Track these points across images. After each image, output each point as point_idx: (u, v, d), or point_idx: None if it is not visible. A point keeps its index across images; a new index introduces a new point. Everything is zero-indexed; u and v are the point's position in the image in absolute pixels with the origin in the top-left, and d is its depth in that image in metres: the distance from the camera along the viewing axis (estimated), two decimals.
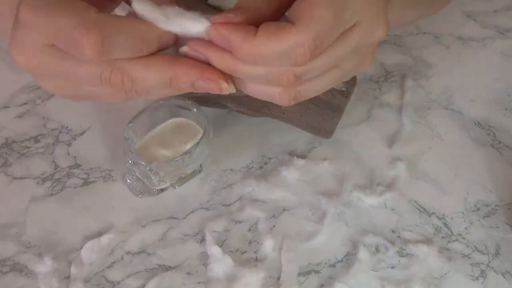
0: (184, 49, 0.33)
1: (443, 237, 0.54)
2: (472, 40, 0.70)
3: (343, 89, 0.56)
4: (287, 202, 0.56)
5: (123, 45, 0.30)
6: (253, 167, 0.59)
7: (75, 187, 0.57)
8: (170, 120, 0.55)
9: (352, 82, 0.56)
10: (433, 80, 0.67)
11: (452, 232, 0.55)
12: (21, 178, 0.57)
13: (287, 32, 0.29)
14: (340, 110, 0.57)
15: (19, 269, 0.52)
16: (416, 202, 0.57)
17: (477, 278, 0.52)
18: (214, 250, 0.52)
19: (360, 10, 0.32)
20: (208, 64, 0.32)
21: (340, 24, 0.31)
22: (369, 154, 0.60)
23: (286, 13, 0.32)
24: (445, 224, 0.55)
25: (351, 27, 0.32)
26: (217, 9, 0.55)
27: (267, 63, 0.31)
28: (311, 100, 0.56)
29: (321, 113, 0.57)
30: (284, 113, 0.57)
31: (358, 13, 0.32)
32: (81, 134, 0.61)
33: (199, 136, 0.53)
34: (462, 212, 0.56)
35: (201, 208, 0.56)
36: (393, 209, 0.56)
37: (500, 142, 0.61)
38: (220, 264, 0.52)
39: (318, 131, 0.59)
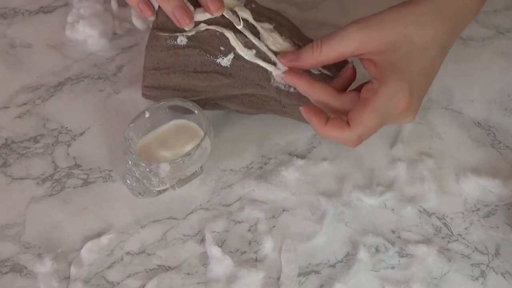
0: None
1: (443, 237, 0.54)
2: (472, 40, 0.70)
3: (330, 74, 0.55)
4: (287, 202, 0.56)
5: None
6: (253, 167, 0.59)
7: (74, 188, 0.57)
8: (171, 122, 0.55)
9: (341, 64, 0.55)
10: (433, 80, 0.66)
11: (452, 232, 0.55)
12: (21, 178, 0.57)
13: (343, 130, 0.48)
14: None
15: (18, 269, 0.52)
16: (416, 202, 0.57)
17: (477, 278, 0.52)
18: (214, 251, 0.52)
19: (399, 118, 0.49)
20: None
21: (379, 127, 0.49)
22: (369, 154, 0.60)
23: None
24: (445, 224, 0.55)
25: None
26: None
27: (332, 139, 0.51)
28: None
29: None
30: (285, 107, 0.57)
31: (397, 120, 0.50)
32: (81, 134, 0.61)
33: (199, 138, 0.53)
34: (462, 212, 0.56)
35: (201, 208, 0.56)
36: (393, 209, 0.56)
37: (500, 142, 0.61)
38: (220, 264, 0.52)
39: None
